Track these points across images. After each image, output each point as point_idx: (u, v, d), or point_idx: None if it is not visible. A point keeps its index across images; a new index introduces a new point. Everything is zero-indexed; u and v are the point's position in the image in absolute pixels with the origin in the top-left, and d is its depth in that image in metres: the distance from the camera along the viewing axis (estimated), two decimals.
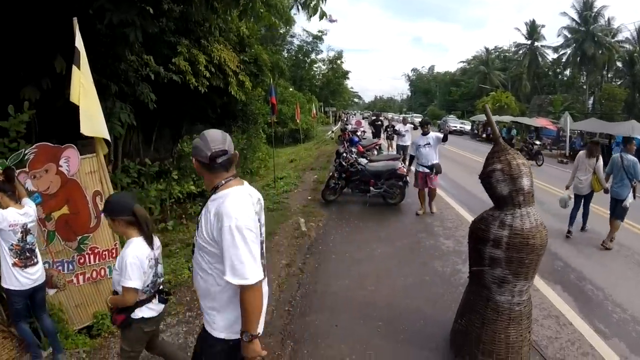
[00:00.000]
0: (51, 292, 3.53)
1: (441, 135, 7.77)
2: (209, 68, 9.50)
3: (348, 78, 52.01)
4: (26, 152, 3.50)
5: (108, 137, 3.36)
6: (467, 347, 3.27)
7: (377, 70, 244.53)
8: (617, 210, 6.34)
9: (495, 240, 2.97)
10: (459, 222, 7.49)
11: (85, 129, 3.09)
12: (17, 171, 3.46)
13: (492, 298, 3.09)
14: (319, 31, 42.28)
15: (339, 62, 47.49)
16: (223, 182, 1.94)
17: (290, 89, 31.69)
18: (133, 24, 5.07)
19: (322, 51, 45.89)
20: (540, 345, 3.63)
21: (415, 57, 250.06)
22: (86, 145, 3.91)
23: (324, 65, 47.84)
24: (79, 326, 3.82)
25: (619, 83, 40.08)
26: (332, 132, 30.14)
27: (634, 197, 6.40)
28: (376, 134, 17.34)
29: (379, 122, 18.08)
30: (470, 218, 7.17)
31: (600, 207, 7.89)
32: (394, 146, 15.13)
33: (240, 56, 11.75)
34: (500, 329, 3.07)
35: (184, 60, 8.70)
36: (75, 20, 3.27)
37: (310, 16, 5.78)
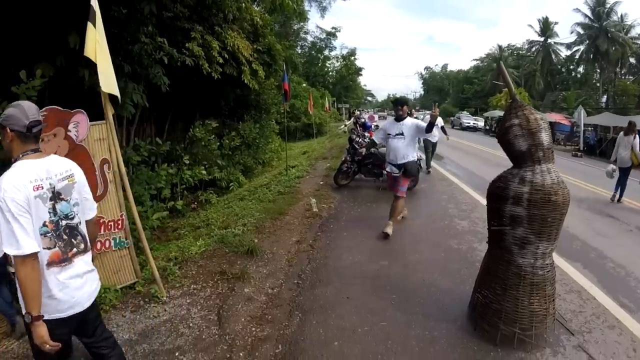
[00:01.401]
0: None
1: (423, 125, 5.32)
2: (223, 54, 9.43)
3: (361, 74, 51.85)
4: None
5: (118, 94, 3.32)
6: (488, 318, 3.12)
7: (390, 69, 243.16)
8: None
9: (516, 197, 2.82)
10: (474, 205, 7.32)
11: (104, 85, 3.10)
12: None
13: (514, 261, 2.93)
14: (332, 28, 42.21)
15: (352, 58, 47.33)
16: (21, 155, 1.94)
17: (304, 84, 31.65)
18: None
19: (335, 48, 45.80)
20: (564, 318, 3.47)
21: (428, 55, 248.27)
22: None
23: (337, 62, 47.71)
24: None
25: (632, 80, 39.19)
26: (345, 125, 30.05)
27: None
28: None
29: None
30: (485, 202, 6.81)
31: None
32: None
33: (254, 45, 11.68)
34: (523, 294, 2.91)
35: (197, 46, 8.66)
36: None
37: None
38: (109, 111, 3.41)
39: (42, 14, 5.29)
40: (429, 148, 10.81)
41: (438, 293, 3.92)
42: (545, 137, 2.84)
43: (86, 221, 2.17)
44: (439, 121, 10.71)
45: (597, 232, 6.19)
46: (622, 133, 8.25)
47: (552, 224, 2.77)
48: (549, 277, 2.94)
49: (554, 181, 2.78)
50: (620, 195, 8.19)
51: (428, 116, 9.74)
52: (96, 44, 3.07)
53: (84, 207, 2.16)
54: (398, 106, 5.60)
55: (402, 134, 5.46)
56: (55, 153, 3.50)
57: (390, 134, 5.59)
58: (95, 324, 2.24)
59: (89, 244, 2.16)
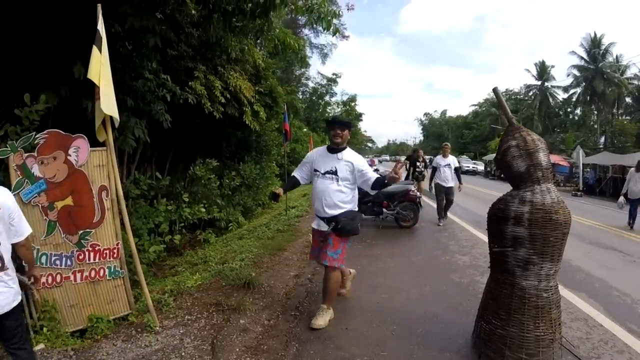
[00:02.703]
0: None
1: (370, 175, 3.63)
2: (225, 94, 9.65)
3: (361, 120, 52.75)
4: (37, 136, 3.48)
5: (117, 116, 3.38)
6: (493, 345, 2.99)
7: (390, 115, 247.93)
8: None
9: (517, 218, 2.78)
10: (475, 241, 7.24)
11: (105, 107, 3.16)
12: (25, 155, 3.43)
13: (517, 284, 2.85)
14: (333, 74, 43.43)
15: (352, 104, 48.37)
16: None
17: (305, 129, 32.17)
18: (153, 30, 5.23)
19: (336, 94, 46.75)
20: (571, 344, 3.34)
21: (427, 101, 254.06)
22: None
23: (337, 107, 48.66)
24: (72, 328, 3.59)
25: (629, 119, 39.70)
26: None
27: None
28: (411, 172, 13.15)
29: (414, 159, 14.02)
30: (486, 239, 6.67)
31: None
32: (424, 188, 11.65)
33: (256, 87, 11.97)
34: (528, 318, 2.80)
35: (200, 85, 8.88)
36: (99, 6, 3.35)
37: (324, 29, 5.91)
38: (109, 134, 3.45)
39: (48, 42, 5.45)
40: (441, 194, 8.95)
41: (440, 324, 3.77)
42: (543, 157, 2.85)
43: (14, 244, 2.42)
44: (454, 161, 9.05)
45: (600, 264, 6.18)
46: (632, 169, 9.69)
47: (554, 244, 2.72)
48: (554, 300, 2.84)
49: (554, 200, 2.76)
50: (633, 222, 9.43)
51: (438, 159, 8.49)
52: (100, 67, 3.15)
53: (9, 232, 2.39)
54: (336, 129, 3.65)
55: (334, 172, 3.64)
56: (54, 176, 3.58)
57: (317, 171, 3.75)
58: (12, 332, 2.39)
59: (6, 263, 2.35)
